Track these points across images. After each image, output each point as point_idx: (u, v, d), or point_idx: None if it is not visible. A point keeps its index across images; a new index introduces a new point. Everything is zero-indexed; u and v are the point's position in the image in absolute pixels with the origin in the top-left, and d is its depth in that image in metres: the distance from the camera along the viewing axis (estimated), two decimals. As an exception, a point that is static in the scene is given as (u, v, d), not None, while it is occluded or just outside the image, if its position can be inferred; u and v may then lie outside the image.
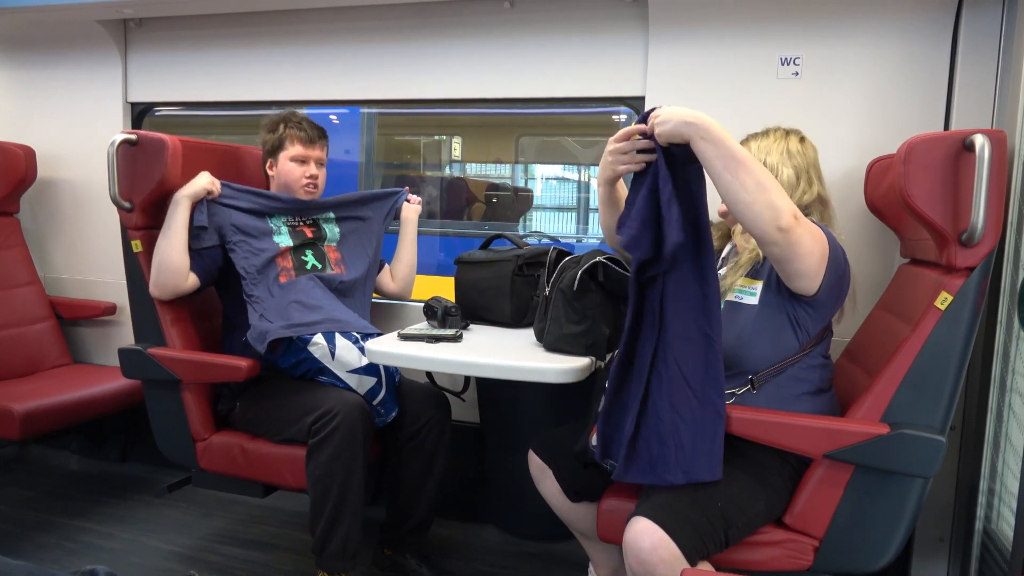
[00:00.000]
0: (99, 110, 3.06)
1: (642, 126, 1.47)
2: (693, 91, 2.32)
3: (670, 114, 1.41)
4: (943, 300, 1.52)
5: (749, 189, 1.39)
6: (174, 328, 2.23)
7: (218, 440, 2.19)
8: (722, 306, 1.63)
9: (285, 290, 2.16)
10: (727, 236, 1.87)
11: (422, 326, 2.08)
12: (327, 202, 2.37)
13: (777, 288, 1.60)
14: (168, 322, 2.23)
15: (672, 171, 1.45)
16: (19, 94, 3.21)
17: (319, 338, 2.09)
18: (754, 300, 1.64)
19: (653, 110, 1.46)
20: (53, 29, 3.03)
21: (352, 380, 2.10)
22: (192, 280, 2.17)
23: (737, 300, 1.66)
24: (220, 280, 2.25)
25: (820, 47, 2.19)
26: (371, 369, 2.10)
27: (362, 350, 2.10)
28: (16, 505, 2.74)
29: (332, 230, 2.38)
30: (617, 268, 1.83)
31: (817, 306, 1.59)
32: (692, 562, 1.39)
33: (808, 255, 1.48)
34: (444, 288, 2.35)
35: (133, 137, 2.22)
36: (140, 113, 3.09)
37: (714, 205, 1.84)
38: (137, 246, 2.24)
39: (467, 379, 2.38)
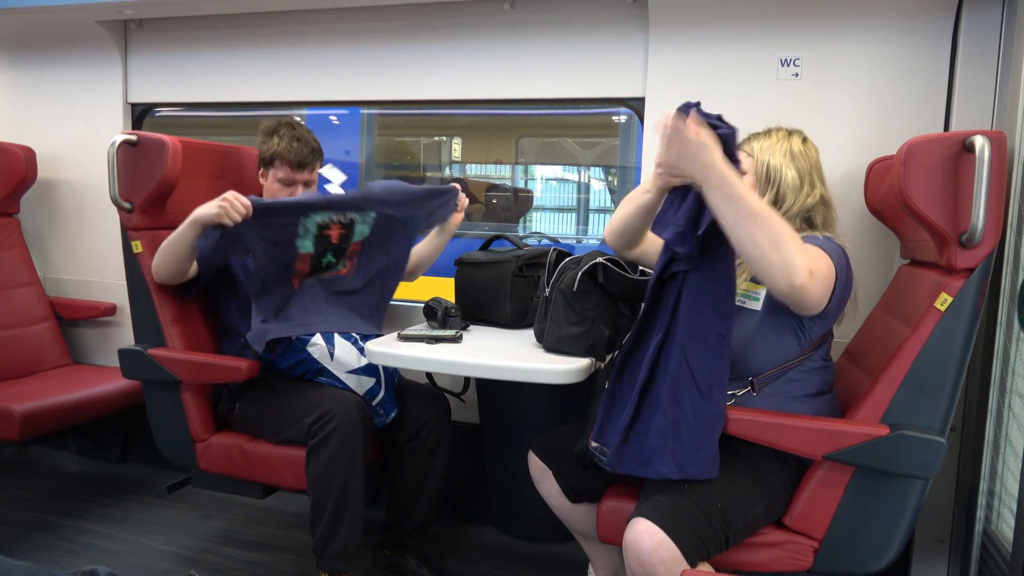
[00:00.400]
0: (99, 111, 3.06)
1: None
2: (693, 92, 2.30)
3: (693, 156, 1.40)
4: (943, 301, 1.52)
5: (762, 246, 1.37)
6: (174, 329, 2.23)
7: (217, 441, 2.19)
8: None
9: (292, 295, 2.15)
10: None
11: (422, 327, 2.08)
12: (373, 197, 2.19)
13: None
14: (168, 323, 2.23)
15: None
16: (19, 95, 3.21)
17: (318, 338, 2.09)
18: (757, 305, 1.64)
19: (693, 105, 1.45)
20: (53, 30, 3.04)
21: (351, 380, 2.10)
22: (192, 269, 2.16)
23: (740, 304, 1.66)
24: (218, 283, 2.24)
25: (820, 48, 2.19)
26: (370, 369, 2.10)
27: (361, 350, 2.10)
28: (15, 505, 2.74)
29: (363, 230, 2.22)
30: (617, 269, 1.83)
31: (822, 317, 1.59)
32: (692, 563, 1.39)
33: (820, 303, 1.49)
34: (444, 289, 2.35)
35: (133, 138, 2.22)
36: (140, 114, 3.09)
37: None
38: (137, 247, 2.24)
39: (467, 380, 2.38)
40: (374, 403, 2.12)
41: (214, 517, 2.69)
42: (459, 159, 5.45)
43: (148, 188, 2.22)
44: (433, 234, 2.41)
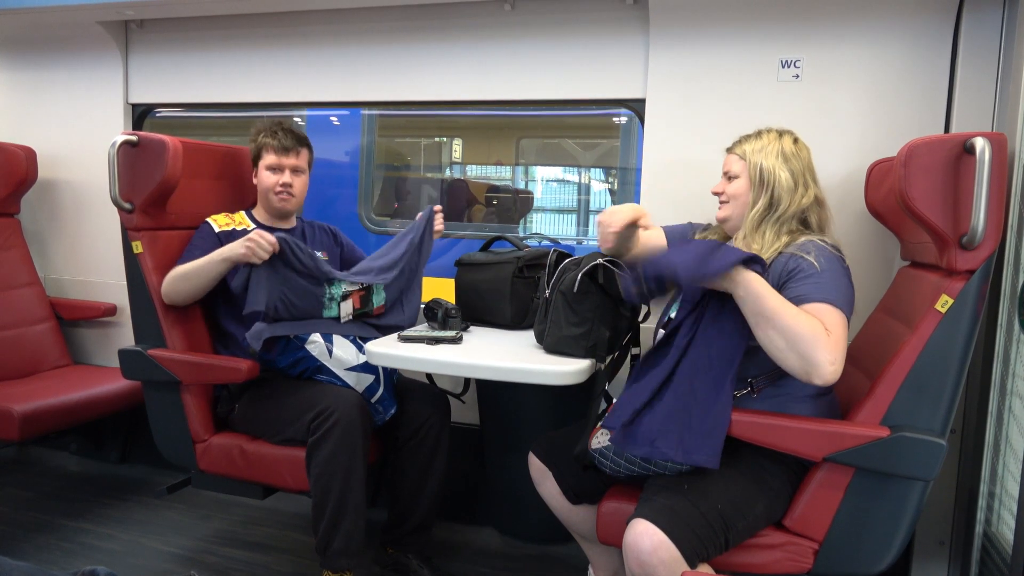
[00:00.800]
0: (100, 111, 3.06)
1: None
2: (693, 93, 2.32)
3: (718, 271, 1.47)
4: (943, 303, 1.52)
5: (780, 348, 1.45)
6: (174, 329, 2.23)
7: (217, 441, 2.19)
8: None
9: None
10: (726, 239, 1.87)
11: (422, 328, 2.08)
12: (376, 273, 2.24)
13: None
14: (168, 323, 2.23)
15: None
16: (20, 95, 3.21)
17: (316, 336, 2.09)
18: None
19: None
20: (54, 30, 3.04)
21: (350, 378, 2.10)
22: None
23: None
24: (214, 291, 2.24)
25: (821, 50, 2.19)
26: (369, 367, 2.10)
27: (360, 348, 2.11)
28: (16, 506, 2.74)
29: (380, 297, 2.28)
30: (617, 271, 1.83)
31: None
32: (692, 564, 1.39)
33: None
34: (444, 290, 2.35)
35: (134, 138, 2.22)
36: (141, 114, 3.09)
37: (712, 210, 1.85)
38: (137, 247, 2.24)
39: (467, 381, 2.38)
40: (373, 400, 2.12)
41: (214, 518, 2.69)
42: (459, 160, 5.44)
43: (148, 188, 2.22)
44: None
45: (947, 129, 2.08)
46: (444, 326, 2.06)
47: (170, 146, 2.20)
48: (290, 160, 2.30)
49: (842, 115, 2.19)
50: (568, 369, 1.72)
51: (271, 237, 2.02)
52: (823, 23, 2.19)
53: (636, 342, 2.00)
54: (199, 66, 2.95)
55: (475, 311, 2.23)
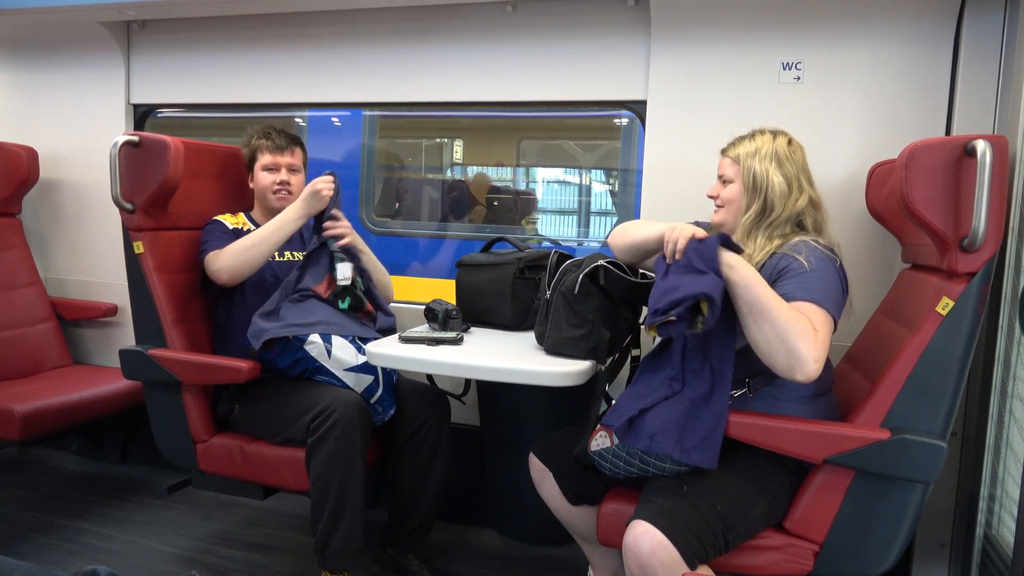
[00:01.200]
0: (102, 111, 3.06)
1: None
2: (695, 95, 2.32)
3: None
4: (944, 305, 1.52)
5: (768, 339, 1.46)
6: (175, 329, 2.24)
7: (218, 442, 2.19)
8: None
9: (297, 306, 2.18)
10: None
11: (423, 329, 2.08)
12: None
13: None
14: (169, 323, 2.23)
15: None
16: (22, 95, 3.21)
17: (315, 337, 2.09)
18: None
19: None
20: (56, 31, 3.04)
21: (349, 378, 2.10)
22: None
23: None
24: (218, 289, 2.25)
25: (822, 52, 2.19)
26: (368, 367, 2.10)
27: (359, 348, 2.11)
28: (16, 506, 2.74)
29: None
30: (618, 272, 1.83)
31: None
32: (692, 566, 1.39)
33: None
34: (445, 291, 2.35)
35: (135, 139, 2.22)
36: (143, 115, 3.09)
37: (707, 206, 1.85)
38: (139, 247, 2.25)
39: (467, 381, 2.38)
40: (373, 400, 2.12)
41: (214, 518, 2.69)
42: (460, 161, 5.45)
43: (150, 189, 2.22)
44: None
45: (948, 131, 2.08)
46: (445, 327, 2.06)
47: (171, 146, 2.20)
48: (285, 159, 2.33)
49: (843, 117, 2.19)
50: (568, 370, 1.72)
51: (326, 178, 2.19)
52: (824, 25, 2.19)
53: (636, 344, 2.00)
54: (201, 67, 2.96)
55: (476, 312, 2.23)
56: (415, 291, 2.56)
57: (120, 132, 2.54)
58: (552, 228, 5.52)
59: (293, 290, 2.17)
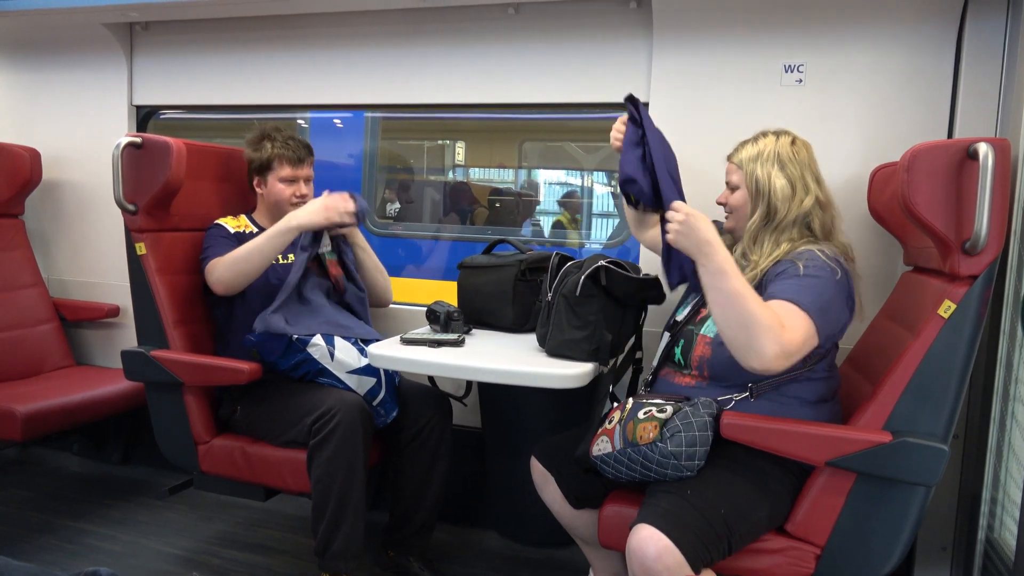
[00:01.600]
0: (104, 113, 3.07)
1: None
2: (696, 97, 2.32)
3: (692, 229, 1.53)
4: (946, 308, 1.52)
5: (732, 325, 1.48)
6: (177, 331, 2.24)
7: (219, 443, 2.19)
8: None
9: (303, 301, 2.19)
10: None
11: (424, 330, 2.08)
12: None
13: None
14: (171, 324, 2.23)
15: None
16: (25, 96, 3.22)
17: (318, 339, 2.09)
18: None
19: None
20: (59, 32, 3.05)
21: (352, 381, 2.10)
22: None
23: None
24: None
25: (824, 55, 2.19)
26: (370, 369, 2.10)
27: (361, 351, 2.11)
28: (17, 506, 2.75)
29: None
30: (620, 271, 1.83)
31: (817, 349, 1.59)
32: (696, 569, 1.39)
33: (792, 364, 1.51)
34: (446, 292, 2.35)
35: (138, 140, 2.22)
36: (145, 116, 3.10)
37: (713, 212, 1.85)
38: (141, 249, 2.25)
39: (469, 383, 2.38)
40: (375, 403, 2.12)
41: (215, 519, 2.69)
42: (462, 163, 5.45)
43: (152, 190, 2.22)
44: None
45: (950, 134, 2.08)
46: (446, 329, 2.06)
47: (174, 148, 2.20)
48: (304, 171, 2.31)
49: (845, 120, 2.19)
50: (570, 372, 1.72)
51: (347, 198, 2.15)
52: (827, 28, 2.19)
53: (639, 345, 2.00)
54: (203, 68, 2.96)
55: (477, 314, 2.23)
56: (416, 293, 2.56)
57: (123, 133, 2.54)
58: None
59: (297, 292, 2.17)
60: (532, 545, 2.55)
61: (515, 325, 2.19)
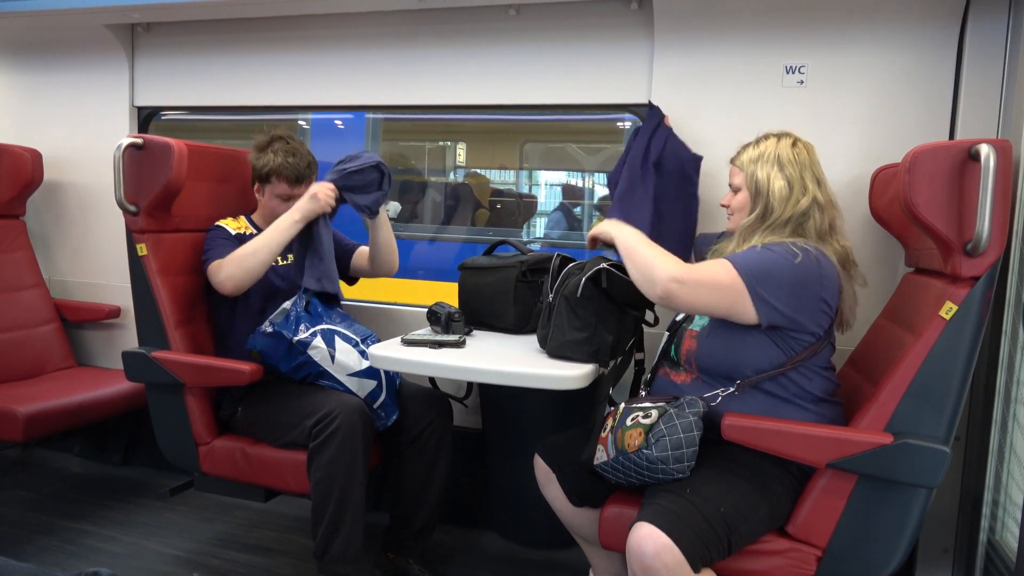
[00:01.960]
0: (106, 114, 3.07)
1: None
2: (698, 98, 2.32)
3: (604, 223, 1.84)
4: (948, 310, 1.51)
5: (636, 270, 1.66)
6: (178, 331, 2.24)
7: (220, 444, 2.19)
8: None
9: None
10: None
11: (425, 331, 2.08)
12: None
13: None
14: (172, 325, 2.23)
15: None
16: (26, 97, 3.22)
17: (319, 341, 2.09)
18: None
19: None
20: (61, 33, 3.05)
21: (352, 383, 2.10)
22: None
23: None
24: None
25: (825, 56, 2.19)
26: (371, 372, 2.11)
27: (362, 353, 2.11)
28: (18, 507, 2.75)
29: None
30: (621, 274, 1.83)
31: (783, 329, 1.59)
32: (696, 568, 1.39)
33: (713, 306, 1.60)
34: (447, 294, 2.35)
35: (139, 141, 2.23)
36: (147, 117, 3.10)
37: (714, 214, 1.85)
38: (142, 250, 2.25)
39: (469, 384, 2.38)
40: (375, 406, 2.12)
41: (216, 520, 2.69)
42: (463, 164, 5.45)
43: (153, 191, 2.22)
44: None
45: (952, 136, 2.08)
46: (447, 330, 2.06)
47: (175, 149, 2.21)
48: (300, 190, 2.26)
49: (846, 121, 2.19)
50: (571, 374, 1.71)
51: (329, 184, 2.15)
52: (828, 29, 2.19)
53: (640, 347, 2.00)
54: (205, 69, 2.96)
55: (478, 315, 2.23)
56: (417, 294, 2.56)
57: (124, 134, 2.54)
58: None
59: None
60: (533, 546, 2.55)
61: (516, 326, 2.19)
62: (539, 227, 5.30)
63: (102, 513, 2.72)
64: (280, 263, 2.28)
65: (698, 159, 2.18)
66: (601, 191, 5.24)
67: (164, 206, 2.28)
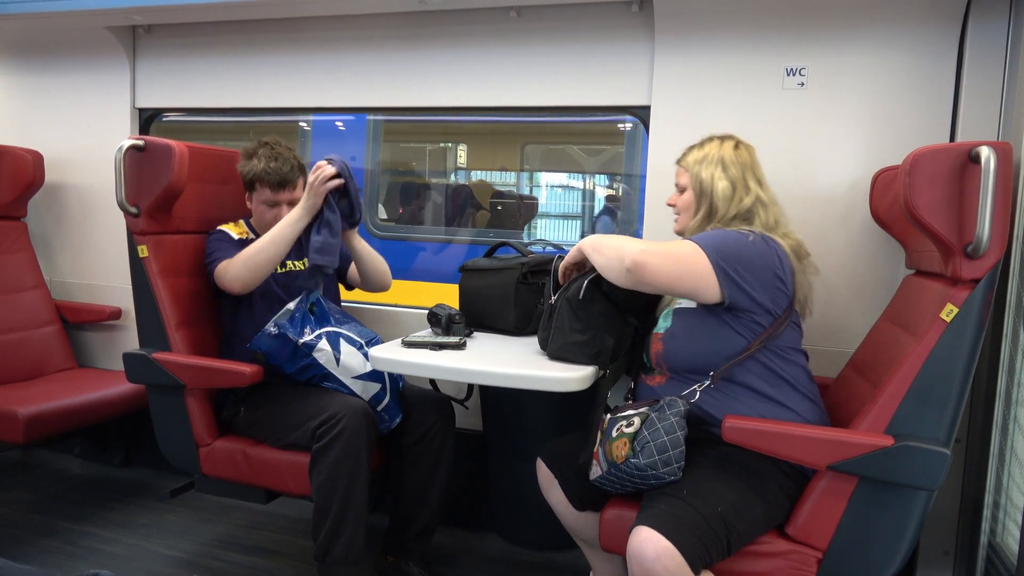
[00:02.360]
0: (107, 115, 3.07)
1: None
2: (698, 100, 2.32)
3: (574, 250, 1.83)
4: (948, 312, 1.51)
5: (607, 259, 1.67)
6: (178, 333, 2.24)
7: (221, 445, 2.19)
8: (673, 312, 1.73)
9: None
10: None
11: (426, 333, 2.08)
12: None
13: None
14: (173, 327, 2.23)
15: None
16: (28, 99, 3.23)
17: (324, 344, 2.09)
18: (693, 304, 1.69)
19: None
20: (63, 35, 3.06)
21: (356, 386, 2.10)
22: None
23: (680, 306, 1.73)
24: (221, 294, 2.24)
25: (826, 58, 2.20)
26: (375, 375, 2.11)
27: (366, 356, 2.11)
28: (19, 509, 2.75)
29: None
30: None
31: (739, 309, 1.62)
32: (696, 570, 1.39)
33: (679, 278, 1.61)
34: (448, 295, 2.35)
35: (141, 143, 2.23)
36: (148, 119, 3.11)
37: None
38: (143, 251, 2.25)
39: (470, 386, 2.38)
40: (379, 409, 2.12)
41: (217, 522, 2.69)
42: (464, 166, 5.45)
43: (155, 193, 2.23)
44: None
45: (952, 138, 2.08)
46: (448, 332, 2.06)
47: (176, 151, 2.21)
48: (285, 195, 2.25)
49: (847, 123, 2.19)
50: (572, 376, 1.71)
51: (328, 170, 2.10)
52: (828, 31, 2.19)
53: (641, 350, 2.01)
54: (206, 71, 2.97)
55: (479, 317, 2.23)
56: (418, 295, 2.56)
57: (125, 136, 2.55)
58: (556, 233, 5.53)
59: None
60: (533, 548, 2.55)
61: (517, 328, 2.19)
62: (539, 229, 5.30)
63: (103, 514, 2.72)
64: (279, 271, 2.28)
65: None
66: (601, 192, 5.25)
67: (165, 208, 2.28)
